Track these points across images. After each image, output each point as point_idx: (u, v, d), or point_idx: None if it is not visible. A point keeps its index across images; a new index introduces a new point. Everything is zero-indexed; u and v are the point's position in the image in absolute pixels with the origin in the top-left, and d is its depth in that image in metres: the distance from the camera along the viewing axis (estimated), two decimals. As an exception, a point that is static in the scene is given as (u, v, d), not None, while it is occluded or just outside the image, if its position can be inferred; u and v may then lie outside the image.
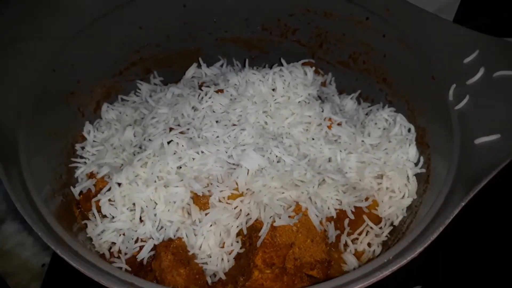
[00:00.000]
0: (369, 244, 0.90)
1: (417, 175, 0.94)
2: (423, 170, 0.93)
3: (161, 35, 1.14)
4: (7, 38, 0.94)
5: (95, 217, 0.89)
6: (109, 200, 0.88)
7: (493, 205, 1.03)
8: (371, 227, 0.90)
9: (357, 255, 0.89)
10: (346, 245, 0.89)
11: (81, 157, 1.01)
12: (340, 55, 1.14)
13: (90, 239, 0.88)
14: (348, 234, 0.89)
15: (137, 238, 0.87)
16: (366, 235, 0.90)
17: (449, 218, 0.66)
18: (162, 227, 0.87)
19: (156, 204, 0.87)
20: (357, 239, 0.90)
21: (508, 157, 0.72)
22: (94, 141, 1.04)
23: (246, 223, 0.84)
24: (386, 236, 0.91)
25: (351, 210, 0.89)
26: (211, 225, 0.84)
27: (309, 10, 1.12)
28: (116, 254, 0.87)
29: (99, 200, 0.88)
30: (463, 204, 0.67)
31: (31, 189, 0.78)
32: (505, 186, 0.93)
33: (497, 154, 0.74)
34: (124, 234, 0.87)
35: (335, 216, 0.88)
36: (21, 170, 0.80)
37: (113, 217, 0.88)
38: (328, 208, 0.87)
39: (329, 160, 0.96)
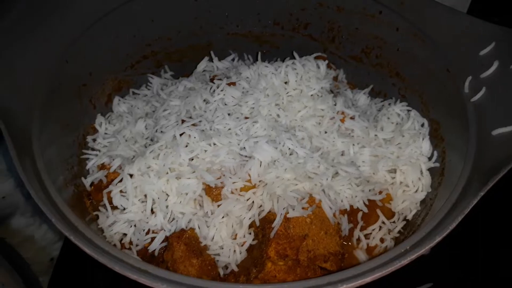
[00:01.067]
0: (381, 240, 0.89)
1: (431, 168, 0.93)
2: (437, 164, 0.92)
3: (173, 29, 1.14)
4: (21, 29, 0.94)
5: (106, 209, 0.88)
6: (121, 191, 0.87)
7: (506, 203, 1.02)
8: (383, 222, 0.89)
9: (369, 249, 0.89)
10: (358, 239, 0.88)
11: (93, 149, 1.00)
12: (352, 49, 1.14)
13: (101, 230, 0.88)
14: (362, 229, 0.89)
15: (149, 230, 0.86)
16: (379, 230, 0.89)
17: (467, 208, 0.65)
18: (173, 219, 0.86)
19: (168, 195, 0.86)
20: (370, 234, 0.89)
21: (527, 147, 0.71)
22: (105, 133, 1.03)
23: (259, 215, 0.84)
24: (399, 231, 0.90)
25: (365, 203, 0.88)
26: (223, 217, 0.84)
27: (321, 4, 1.11)
28: (128, 245, 0.87)
29: (110, 191, 0.88)
30: (482, 194, 0.66)
31: (45, 178, 0.78)
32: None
33: (515, 145, 0.73)
34: (135, 226, 0.87)
35: (348, 209, 0.87)
36: (34, 159, 0.80)
37: (124, 209, 0.87)
38: (342, 201, 0.86)
39: (342, 153, 0.95)
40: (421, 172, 0.93)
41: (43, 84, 0.90)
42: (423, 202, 0.91)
